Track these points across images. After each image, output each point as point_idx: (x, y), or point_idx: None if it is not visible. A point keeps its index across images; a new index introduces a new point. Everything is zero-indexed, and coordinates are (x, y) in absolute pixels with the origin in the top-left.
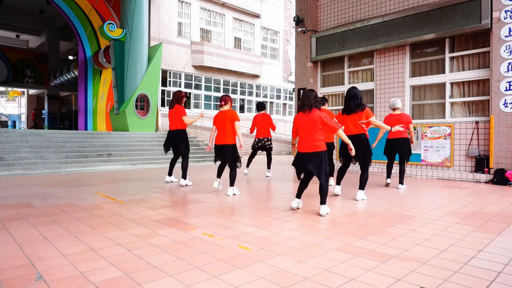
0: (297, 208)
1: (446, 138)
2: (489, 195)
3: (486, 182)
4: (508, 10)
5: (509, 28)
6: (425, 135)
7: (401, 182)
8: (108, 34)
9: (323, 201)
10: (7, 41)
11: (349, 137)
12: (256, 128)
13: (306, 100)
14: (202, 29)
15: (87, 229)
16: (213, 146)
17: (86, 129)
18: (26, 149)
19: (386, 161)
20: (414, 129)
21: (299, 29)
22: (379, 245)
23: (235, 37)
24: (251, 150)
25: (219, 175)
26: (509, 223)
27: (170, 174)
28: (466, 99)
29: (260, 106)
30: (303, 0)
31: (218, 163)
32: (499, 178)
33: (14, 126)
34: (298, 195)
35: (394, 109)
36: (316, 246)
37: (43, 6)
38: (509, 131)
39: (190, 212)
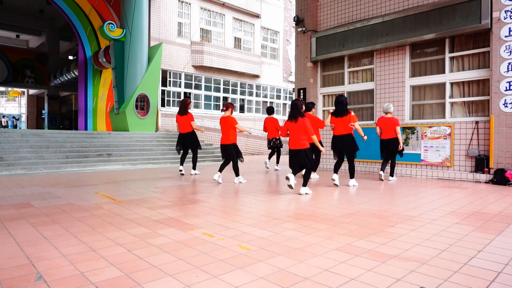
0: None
1: (446, 138)
2: (489, 195)
3: (486, 182)
4: (508, 10)
5: (509, 28)
6: (425, 135)
7: (391, 174)
8: (108, 34)
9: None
10: (7, 41)
11: (339, 136)
12: (267, 129)
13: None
14: (202, 29)
15: (87, 229)
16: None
17: (86, 129)
18: (26, 149)
19: (381, 161)
20: (414, 129)
21: (299, 29)
22: (379, 245)
23: (235, 37)
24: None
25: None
26: (509, 223)
27: (182, 164)
28: (466, 99)
29: (269, 110)
30: (303, 0)
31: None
32: (499, 178)
33: (14, 126)
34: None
35: (386, 113)
36: (316, 246)
37: (43, 6)
38: (509, 131)
39: (190, 212)
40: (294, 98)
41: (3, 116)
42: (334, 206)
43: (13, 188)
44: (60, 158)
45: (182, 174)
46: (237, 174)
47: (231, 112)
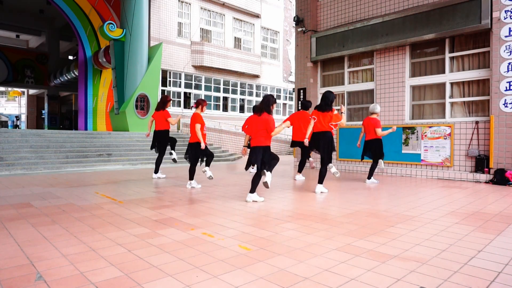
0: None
1: (446, 138)
2: (489, 195)
3: (486, 182)
4: (508, 10)
5: (509, 28)
6: (425, 135)
7: (369, 177)
8: (108, 34)
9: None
10: (7, 41)
11: (316, 133)
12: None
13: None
14: (202, 29)
15: (87, 229)
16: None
17: (86, 129)
18: (26, 149)
19: (371, 161)
20: (414, 129)
21: (299, 29)
22: (379, 245)
23: (235, 37)
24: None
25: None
26: (509, 223)
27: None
28: (466, 99)
29: (255, 108)
30: (303, 0)
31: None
32: (499, 178)
33: (14, 126)
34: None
35: (372, 113)
36: (316, 246)
37: (43, 6)
38: (509, 131)
39: (190, 212)
40: (294, 98)
41: (16, 117)
42: (334, 206)
43: (13, 188)
44: (60, 158)
45: (160, 178)
46: (191, 178)
47: (202, 109)
